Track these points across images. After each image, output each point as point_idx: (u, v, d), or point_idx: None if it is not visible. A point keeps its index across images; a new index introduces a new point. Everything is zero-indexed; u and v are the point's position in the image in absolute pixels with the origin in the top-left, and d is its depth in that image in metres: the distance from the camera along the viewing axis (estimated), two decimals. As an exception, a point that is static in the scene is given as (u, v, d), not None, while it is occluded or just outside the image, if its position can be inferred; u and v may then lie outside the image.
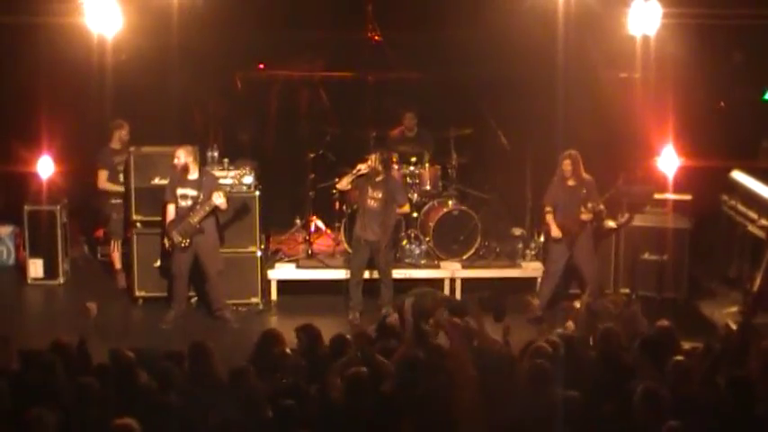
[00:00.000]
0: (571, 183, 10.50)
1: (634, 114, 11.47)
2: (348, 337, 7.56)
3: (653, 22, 10.46)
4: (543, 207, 10.71)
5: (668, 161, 11.21)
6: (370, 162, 10.61)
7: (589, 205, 10.38)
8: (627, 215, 11.13)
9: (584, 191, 10.43)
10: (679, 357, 6.85)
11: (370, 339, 7.71)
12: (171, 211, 10.34)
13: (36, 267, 11.68)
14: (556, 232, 10.51)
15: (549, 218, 10.58)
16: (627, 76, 11.75)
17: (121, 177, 11.30)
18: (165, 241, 10.37)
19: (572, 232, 10.48)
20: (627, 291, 11.12)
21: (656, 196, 11.28)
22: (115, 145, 11.49)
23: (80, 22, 10.51)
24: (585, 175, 10.48)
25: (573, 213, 10.47)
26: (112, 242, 11.57)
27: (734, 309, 10.37)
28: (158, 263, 10.91)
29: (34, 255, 11.67)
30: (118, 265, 11.58)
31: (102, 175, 11.34)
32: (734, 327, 9.46)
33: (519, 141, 12.24)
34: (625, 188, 10.95)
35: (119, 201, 11.33)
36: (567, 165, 10.41)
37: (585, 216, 10.38)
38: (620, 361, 7.13)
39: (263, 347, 7.40)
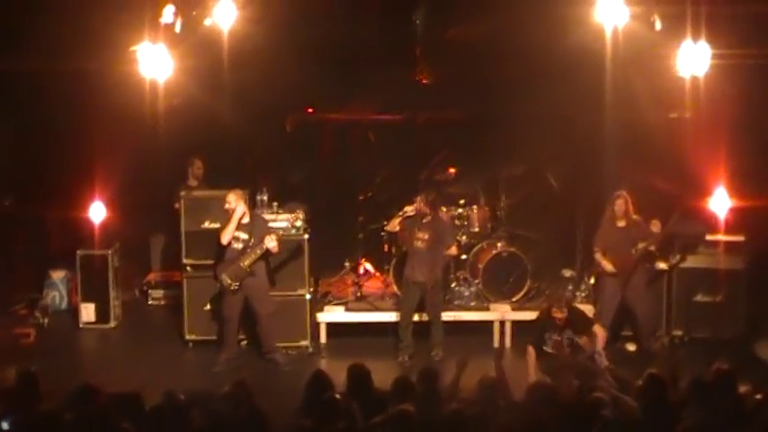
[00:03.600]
0: (621, 224, 10.44)
1: (685, 155, 11.37)
2: (412, 379, 7.47)
3: (702, 62, 10.39)
4: (593, 248, 10.62)
5: (720, 202, 11.09)
6: (416, 204, 10.63)
7: (640, 246, 10.31)
8: (678, 256, 11.01)
9: (635, 231, 10.38)
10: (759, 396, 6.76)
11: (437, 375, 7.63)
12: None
13: (88, 311, 11.79)
14: (609, 267, 10.41)
15: (599, 256, 10.50)
16: (677, 116, 11.67)
17: None
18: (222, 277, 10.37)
19: (624, 273, 10.39)
20: (680, 332, 11.00)
21: (709, 237, 11.15)
22: (191, 182, 11.89)
23: (132, 69, 10.65)
24: (635, 216, 10.42)
25: (624, 254, 10.39)
26: None
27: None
28: (208, 306, 10.97)
29: (86, 299, 11.79)
30: None
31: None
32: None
33: (569, 182, 12.19)
34: (677, 229, 10.84)
35: None
36: (620, 205, 10.38)
37: (664, 264, 10.40)
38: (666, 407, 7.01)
39: (312, 390, 7.37)
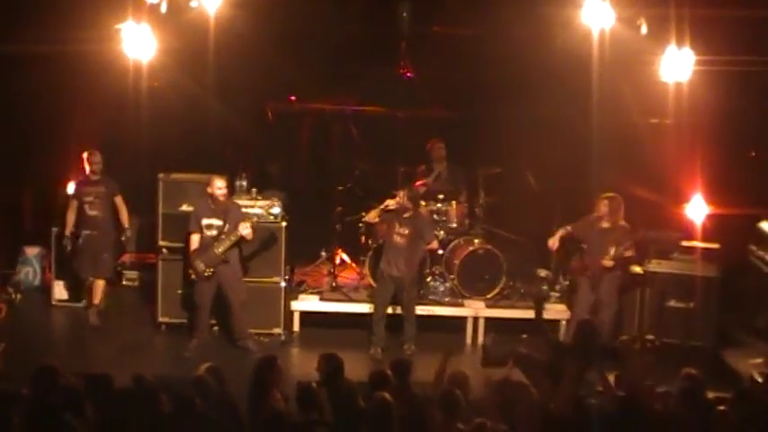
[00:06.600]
0: (605, 225, 10.46)
1: (664, 160, 11.42)
2: (388, 371, 7.46)
3: (685, 69, 10.44)
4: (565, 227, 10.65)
5: (697, 208, 11.13)
6: (398, 198, 10.62)
7: (611, 251, 10.32)
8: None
9: (615, 236, 10.38)
10: (722, 408, 6.81)
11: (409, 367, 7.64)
12: (194, 240, 10.35)
13: (61, 289, 11.73)
14: (553, 240, 10.52)
15: (562, 231, 10.61)
16: (658, 122, 11.71)
17: (88, 209, 11.12)
18: (189, 271, 10.35)
19: (597, 274, 10.42)
20: (651, 337, 11.03)
21: (684, 243, 11.19)
22: (92, 177, 11.20)
23: (115, 48, 10.57)
24: (622, 222, 10.43)
25: (600, 255, 10.42)
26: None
27: (760, 360, 10.25)
28: (180, 290, 10.92)
29: (60, 276, 11.72)
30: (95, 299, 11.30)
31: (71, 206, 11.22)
32: (759, 378, 9.34)
33: (548, 183, 12.21)
34: (652, 234, 10.86)
35: (87, 232, 11.19)
36: (603, 206, 10.42)
37: (607, 262, 10.34)
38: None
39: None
